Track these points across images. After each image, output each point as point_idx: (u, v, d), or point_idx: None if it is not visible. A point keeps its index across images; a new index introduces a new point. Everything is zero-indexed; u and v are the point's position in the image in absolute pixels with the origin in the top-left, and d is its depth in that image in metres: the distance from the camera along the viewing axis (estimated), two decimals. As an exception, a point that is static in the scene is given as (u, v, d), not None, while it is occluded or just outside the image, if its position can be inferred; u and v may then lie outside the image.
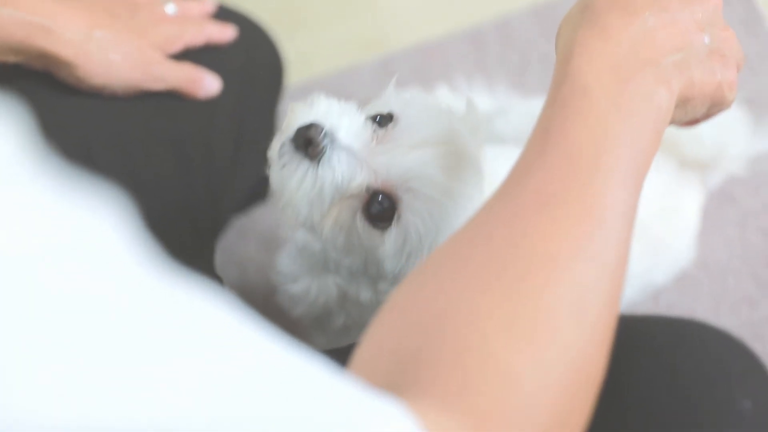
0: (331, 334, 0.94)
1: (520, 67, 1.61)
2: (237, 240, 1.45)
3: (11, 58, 0.85)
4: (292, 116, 0.72)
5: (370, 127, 0.72)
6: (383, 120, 0.74)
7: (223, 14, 1.06)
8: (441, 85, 1.25)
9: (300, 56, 1.60)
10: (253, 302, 1.31)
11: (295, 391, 0.38)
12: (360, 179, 0.71)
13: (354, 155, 0.70)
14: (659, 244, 1.19)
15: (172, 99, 0.94)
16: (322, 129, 0.69)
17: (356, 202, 0.72)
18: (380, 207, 0.71)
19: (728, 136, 1.17)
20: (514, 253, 0.50)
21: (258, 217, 1.47)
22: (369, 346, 0.50)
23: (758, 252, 1.50)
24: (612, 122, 0.54)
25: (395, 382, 0.46)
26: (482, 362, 0.46)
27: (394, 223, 0.71)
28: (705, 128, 1.08)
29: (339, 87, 1.57)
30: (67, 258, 0.32)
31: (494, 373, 0.45)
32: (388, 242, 0.71)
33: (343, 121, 0.70)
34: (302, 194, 0.70)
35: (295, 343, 0.40)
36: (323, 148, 0.69)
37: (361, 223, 0.72)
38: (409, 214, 0.70)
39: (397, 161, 0.70)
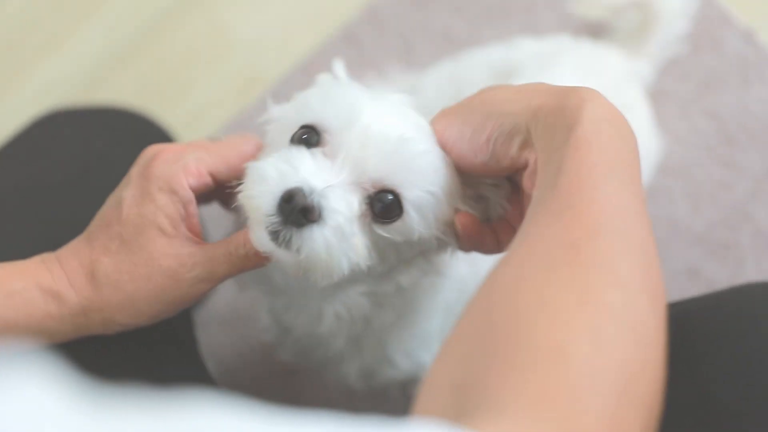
0: (370, 350, 0.94)
1: (404, 46, 1.55)
2: (202, 334, 1.37)
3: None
4: (254, 201, 0.69)
5: (318, 154, 0.71)
6: (311, 135, 0.72)
7: (97, 114, 1.04)
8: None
9: (191, 119, 1.56)
10: (260, 374, 1.33)
11: None
12: (355, 199, 0.70)
13: (335, 186, 0.69)
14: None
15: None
16: (302, 191, 0.67)
17: (364, 218, 0.71)
18: (382, 204, 0.71)
19: None
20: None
21: (214, 303, 1.39)
22: (429, 381, 0.51)
23: (711, 134, 1.44)
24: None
25: (462, 410, 0.45)
26: (559, 365, 0.46)
27: (405, 206, 0.71)
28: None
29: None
30: None
31: (569, 373, 0.46)
32: (411, 221, 0.71)
33: (302, 169, 0.69)
34: (335, 255, 0.69)
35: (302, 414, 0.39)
36: (319, 204, 0.67)
37: (380, 228, 0.72)
38: (411, 189, 0.70)
39: (365, 161, 0.70)
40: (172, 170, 0.73)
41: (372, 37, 1.56)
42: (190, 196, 0.73)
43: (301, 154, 0.70)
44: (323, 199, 0.67)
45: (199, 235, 0.75)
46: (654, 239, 0.56)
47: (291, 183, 0.67)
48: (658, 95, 1.41)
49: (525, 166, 0.67)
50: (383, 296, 0.83)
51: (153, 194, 0.72)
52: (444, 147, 0.72)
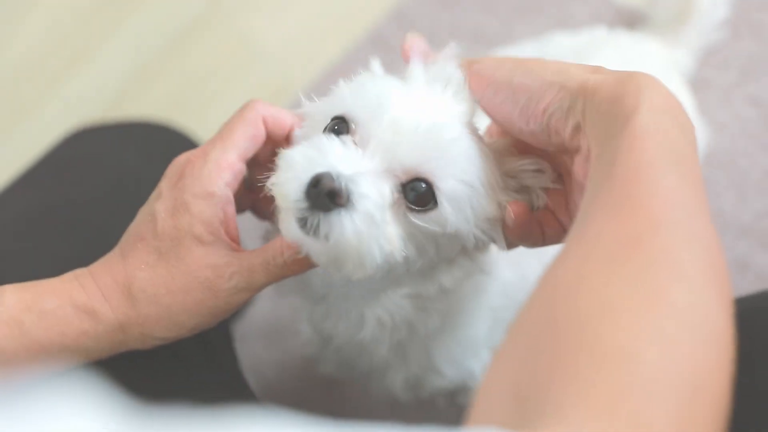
0: (415, 359, 0.91)
1: (434, 47, 1.49)
2: (241, 348, 1.35)
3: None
4: (283, 188, 0.67)
5: (349, 142, 0.69)
6: (342, 126, 0.71)
7: (126, 128, 1.04)
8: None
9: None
10: (303, 391, 1.32)
11: None
12: (387, 187, 0.68)
13: (365, 173, 0.67)
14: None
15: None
16: (330, 175, 0.65)
17: (397, 207, 0.69)
18: (415, 192, 0.68)
19: None
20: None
21: (252, 316, 1.37)
22: (486, 387, 0.49)
23: (755, 122, 1.39)
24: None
25: (523, 417, 0.44)
26: (625, 368, 0.44)
27: (438, 196, 0.68)
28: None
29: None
30: None
31: (636, 375, 0.44)
32: (446, 212, 0.68)
33: (331, 155, 0.67)
34: (366, 242, 0.66)
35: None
36: (347, 188, 0.65)
37: (415, 217, 0.69)
38: (444, 179, 0.68)
39: (396, 149, 0.68)
40: (205, 172, 0.71)
41: (400, 39, 1.51)
42: (228, 195, 0.72)
43: (331, 141, 0.68)
44: (352, 184, 0.65)
45: (237, 240, 0.73)
46: (716, 232, 0.54)
47: (319, 168, 0.65)
48: (698, 84, 1.37)
49: (576, 150, 0.64)
50: (426, 299, 0.81)
51: (188, 203, 0.71)
52: (489, 106, 0.69)
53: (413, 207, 0.68)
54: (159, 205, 0.72)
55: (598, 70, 0.64)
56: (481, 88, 0.69)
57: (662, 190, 0.53)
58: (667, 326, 0.46)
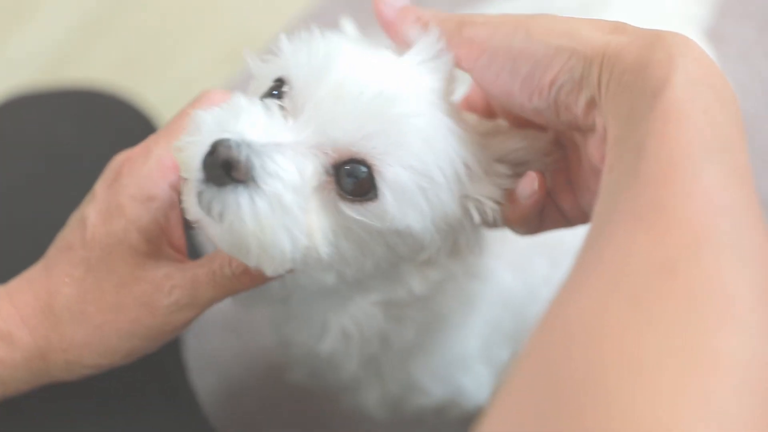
0: (391, 375, 0.83)
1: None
2: (199, 342, 1.25)
3: None
4: (183, 153, 0.59)
5: (275, 107, 0.60)
6: (282, 90, 0.62)
7: (64, 97, 0.97)
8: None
9: (175, 93, 1.47)
10: (270, 394, 1.21)
11: None
12: (310, 166, 0.59)
13: (284, 146, 0.58)
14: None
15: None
16: (229, 142, 0.56)
17: (326, 193, 0.60)
18: (354, 178, 0.59)
19: None
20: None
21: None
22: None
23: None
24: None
25: None
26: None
27: (379, 183, 0.59)
28: None
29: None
30: None
31: None
32: (388, 205, 0.59)
33: (243, 120, 0.58)
34: (270, 230, 0.57)
35: None
36: (248, 161, 0.56)
37: (349, 209, 0.60)
38: (388, 164, 0.59)
39: (328, 121, 0.59)
40: (144, 171, 0.64)
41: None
42: (173, 198, 0.65)
43: (251, 103, 0.60)
44: (257, 157, 0.57)
45: (182, 250, 0.67)
46: None
47: (225, 133, 0.57)
48: (715, 39, 1.27)
49: (591, 129, 0.56)
50: (400, 308, 0.72)
51: (123, 206, 0.64)
52: (484, 79, 0.60)
53: (346, 195, 0.60)
54: (90, 208, 0.65)
55: (618, 28, 0.55)
56: (474, 57, 0.60)
57: (701, 191, 0.44)
58: (719, 394, 0.37)
